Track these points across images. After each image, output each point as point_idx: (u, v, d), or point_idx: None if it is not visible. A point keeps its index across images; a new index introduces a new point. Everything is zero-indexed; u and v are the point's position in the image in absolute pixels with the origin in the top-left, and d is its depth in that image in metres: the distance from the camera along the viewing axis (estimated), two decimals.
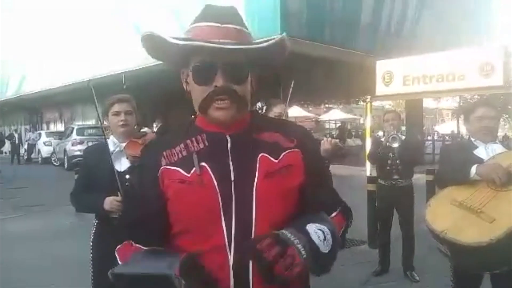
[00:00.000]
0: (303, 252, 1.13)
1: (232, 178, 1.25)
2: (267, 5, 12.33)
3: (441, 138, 29.34)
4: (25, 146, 24.88)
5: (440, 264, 2.83)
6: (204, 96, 1.25)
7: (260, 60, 1.31)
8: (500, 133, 24.32)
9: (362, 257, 5.54)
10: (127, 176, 2.65)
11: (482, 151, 2.78)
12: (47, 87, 23.20)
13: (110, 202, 2.59)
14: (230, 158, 1.27)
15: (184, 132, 1.35)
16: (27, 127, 32.37)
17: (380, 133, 5.01)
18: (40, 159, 22.59)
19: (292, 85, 3.32)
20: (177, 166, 1.27)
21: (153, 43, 1.29)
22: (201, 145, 1.30)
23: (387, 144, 4.67)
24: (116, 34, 17.42)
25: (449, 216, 2.43)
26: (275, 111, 3.50)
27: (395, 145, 4.62)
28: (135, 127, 2.91)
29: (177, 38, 1.24)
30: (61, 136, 21.12)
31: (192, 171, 1.25)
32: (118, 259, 1.30)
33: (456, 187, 2.59)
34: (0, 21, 25.43)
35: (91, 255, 2.81)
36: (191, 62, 1.28)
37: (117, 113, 2.75)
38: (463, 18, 18.11)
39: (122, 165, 2.71)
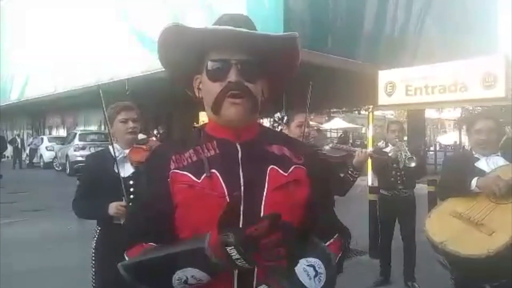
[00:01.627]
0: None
1: (242, 189, 1.24)
2: (270, 14, 12.40)
3: (443, 149, 29.33)
4: (27, 151, 24.91)
5: (441, 274, 2.82)
6: (218, 92, 1.26)
7: (272, 60, 1.33)
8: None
9: (363, 267, 5.53)
10: (131, 182, 2.66)
11: (484, 164, 2.79)
12: (50, 92, 23.28)
13: (115, 207, 2.60)
14: (240, 167, 1.27)
15: (193, 139, 1.35)
16: (30, 131, 32.43)
17: (382, 143, 4.99)
18: (42, 164, 22.61)
19: (310, 92, 3.32)
20: (186, 171, 1.26)
21: (173, 40, 1.28)
22: (212, 152, 1.29)
23: (406, 165, 4.56)
24: (119, 40, 17.52)
25: (448, 228, 2.44)
26: (297, 120, 3.43)
27: (413, 165, 4.52)
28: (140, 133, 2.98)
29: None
30: (63, 141, 21.17)
31: (202, 176, 1.24)
32: (127, 258, 1.25)
33: (456, 199, 2.60)
34: (5, 26, 25.59)
35: (93, 262, 2.80)
36: (205, 63, 1.30)
37: (125, 121, 2.78)
38: (466, 29, 18.15)
39: (126, 171, 2.72)
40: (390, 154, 4.74)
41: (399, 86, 13.27)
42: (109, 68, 18.10)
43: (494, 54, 15.02)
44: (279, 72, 1.40)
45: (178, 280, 1.13)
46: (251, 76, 1.28)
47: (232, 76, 1.25)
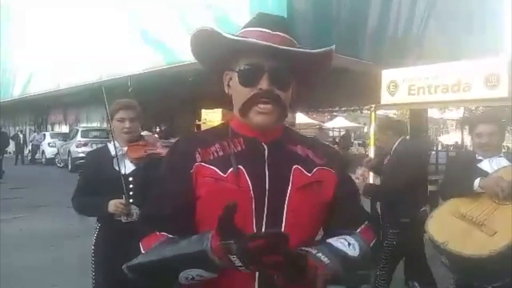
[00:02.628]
0: (324, 259, 1.12)
1: (267, 186, 1.25)
2: (273, 13, 12.37)
3: (445, 149, 29.28)
4: (30, 147, 24.96)
5: (443, 274, 2.82)
6: (248, 98, 1.26)
7: (305, 69, 1.33)
8: (507, 145, 24.26)
9: None
10: (131, 179, 2.68)
11: (486, 165, 2.80)
12: (53, 89, 23.30)
13: (114, 205, 2.61)
14: (266, 165, 1.28)
15: (220, 134, 1.35)
16: (32, 128, 32.48)
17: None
18: (44, 160, 22.65)
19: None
20: (212, 165, 1.27)
21: (206, 39, 1.28)
22: (238, 148, 1.30)
23: None
24: (122, 37, 17.51)
25: (450, 228, 2.44)
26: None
27: None
28: (139, 132, 2.94)
29: (231, 34, 1.27)
30: (66, 137, 21.21)
31: (228, 171, 1.25)
32: (142, 249, 1.22)
33: (459, 199, 2.60)
34: (8, 22, 25.63)
35: (93, 259, 2.81)
36: (238, 64, 1.29)
37: (121, 120, 2.78)
38: (469, 29, 18.11)
39: (126, 168, 2.72)
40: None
41: (402, 85, 13.21)
42: (112, 65, 18.09)
43: (497, 54, 14.98)
44: (310, 78, 1.42)
45: (185, 278, 1.13)
46: (283, 84, 1.28)
47: (264, 84, 1.25)
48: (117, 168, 2.67)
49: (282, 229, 1.22)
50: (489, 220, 2.36)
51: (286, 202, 1.25)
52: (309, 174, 1.30)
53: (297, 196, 1.26)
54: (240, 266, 1.03)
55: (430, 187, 6.55)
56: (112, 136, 2.81)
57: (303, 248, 1.15)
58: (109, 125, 2.87)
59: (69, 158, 18.56)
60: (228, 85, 1.35)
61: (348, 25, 14.29)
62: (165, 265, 1.14)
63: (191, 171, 1.26)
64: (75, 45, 20.45)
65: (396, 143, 4.12)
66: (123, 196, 2.62)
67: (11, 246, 5.95)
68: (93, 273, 2.80)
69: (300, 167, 1.30)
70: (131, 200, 2.63)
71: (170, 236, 1.22)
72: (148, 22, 16.32)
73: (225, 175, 1.24)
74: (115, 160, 2.69)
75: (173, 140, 2.60)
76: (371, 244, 1.31)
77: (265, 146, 1.31)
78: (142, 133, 3.01)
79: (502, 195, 2.43)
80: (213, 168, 1.26)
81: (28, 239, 6.71)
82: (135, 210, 2.61)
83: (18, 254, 5.67)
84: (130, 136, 2.79)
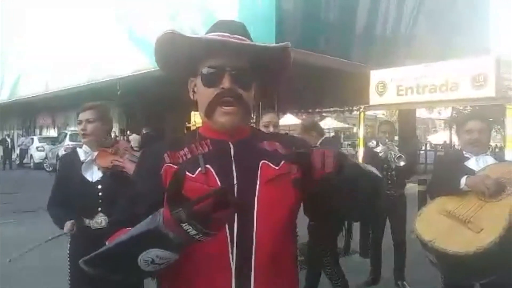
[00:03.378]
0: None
1: (235, 182, 1.29)
2: (262, 13, 12.40)
3: (434, 148, 29.50)
4: (17, 151, 24.74)
5: (432, 274, 2.84)
6: (211, 98, 1.31)
7: (265, 67, 1.38)
8: (492, 144, 24.49)
9: (353, 266, 5.53)
10: (99, 186, 2.62)
11: (473, 163, 2.83)
12: (40, 92, 23.13)
13: (70, 226, 2.66)
14: (233, 163, 1.32)
15: (187, 139, 1.40)
16: (20, 132, 32.20)
17: (373, 143, 5.03)
18: (32, 164, 22.46)
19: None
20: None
21: (169, 44, 1.32)
22: (206, 150, 1.34)
23: (395, 164, 4.65)
24: (111, 40, 17.43)
25: (438, 226, 2.46)
26: (264, 120, 3.55)
27: (402, 163, 4.61)
28: (107, 136, 2.82)
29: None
30: (54, 141, 21.07)
31: (197, 171, 1.28)
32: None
33: (446, 197, 2.62)
34: None
35: (69, 265, 2.84)
36: (200, 68, 1.34)
37: (79, 122, 2.73)
38: (457, 30, 18.27)
39: (94, 174, 2.66)
40: (380, 154, 4.79)
41: (390, 86, 13.31)
42: (100, 67, 18.01)
43: (485, 54, 15.13)
44: (272, 78, 1.46)
45: (144, 262, 1.07)
46: (244, 83, 1.33)
47: (226, 83, 1.30)
48: (85, 175, 2.64)
49: (254, 224, 1.25)
50: (476, 218, 2.38)
51: (256, 196, 1.27)
52: (277, 168, 1.33)
53: (266, 189, 1.29)
54: (195, 235, 1.00)
55: (419, 187, 6.63)
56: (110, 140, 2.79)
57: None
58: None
59: (58, 162, 18.38)
60: (194, 91, 1.41)
61: (337, 26, 14.36)
62: (121, 251, 1.09)
63: (161, 173, 1.29)
64: (63, 48, 20.32)
65: (318, 143, 4.24)
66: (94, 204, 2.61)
67: (0, 251, 5.88)
68: (69, 280, 2.78)
69: (267, 162, 1.33)
70: (99, 209, 2.60)
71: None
72: (136, 24, 16.27)
73: (193, 175, 1.27)
74: (83, 167, 2.65)
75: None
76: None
77: (231, 145, 1.35)
78: (131, 136, 2.95)
79: (488, 193, 2.46)
80: None
81: (17, 245, 6.62)
82: (103, 217, 2.59)
83: (6, 259, 5.60)
84: (86, 139, 2.71)
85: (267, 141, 1.40)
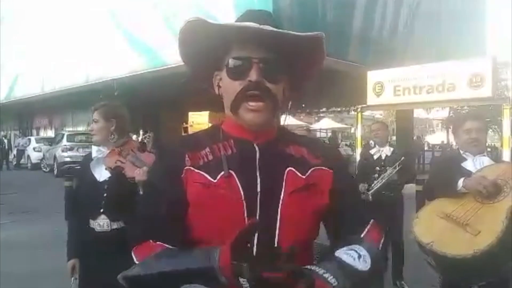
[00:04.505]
0: (332, 280, 1.07)
1: (259, 190, 1.20)
2: None
3: (431, 149, 29.55)
4: (14, 152, 24.66)
5: (429, 274, 2.84)
6: (238, 91, 1.22)
7: (295, 60, 1.29)
8: (490, 144, 24.54)
9: None
10: (106, 187, 2.58)
11: (470, 164, 2.83)
12: (37, 93, 23.07)
13: (70, 266, 2.66)
14: (258, 168, 1.23)
15: (210, 136, 1.31)
16: (17, 132, 32.11)
17: (371, 142, 5.07)
18: (29, 165, 22.39)
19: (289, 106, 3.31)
20: (202, 170, 1.22)
21: (193, 34, 1.24)
22: (229, 152, 1.26)
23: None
24: (107, 41, 17.40)
25: (435, 228, 2.46)
26: None
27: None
28: (113, 135, 2.73)
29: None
30: (51, 142, 20.99)
31: (218, 176, 1.20)
32: (135, 260, 1.18)
33: (443, 200, 2.62)
34: None
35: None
36: (226, 59, 1.25)
37: (93, 121, 2.73)
38: (454, 31, 18.30)
39: (102, 174, 2.63)
40: (374, 156, 4.83)
41: (387, 86, 13.35)
42: (97, 68, 17.97)
43: (481, 55, 15.18)
44: (302, 72, 1.36)
45: None
46: (273, 76, 1.23)
47: (253, 76, 1.20)
48: (93, 173, 2.62)
49: (276, 234, 1.18)
50: (473, 220, 2.38)
51: (280, 207, 1.20)
52: (303, 176, 1.25)
53: (291, 200, 1.21)
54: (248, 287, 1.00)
55: (417, 187, 6.63)
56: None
57: (308, 267, 1.11)
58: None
59: (55, 163, 18.37)
60: (218, 86, 1.31)
61: (334, 26, 14.37)
62: (165, 279, 1.09)
63: (182, 176, 1.22)
64: (60, 49, 20.27)
65: None
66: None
67: None
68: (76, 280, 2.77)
69: (293, 169, 1.25)
70: (101, 210, 2.55)
71: (167, 246, 1.19)
72: (133, 25, 16.24)
73: (215, 181, 1.20)
74: (91, 164, 2.64)
75: (143, 157, 2.54)
76: (380, 244, 1.26)
77: (257, 148, 1.26)
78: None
79: (485, 194, 2.46)
80: (203, 173, 1.22)
81: (15, 245, 6.62)
82: (105, 220, 2.53)
83: (4, 260, 5.59)
84: (95, 139, 2.70)
85: (294, 146, 1.31)
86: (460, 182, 2.56)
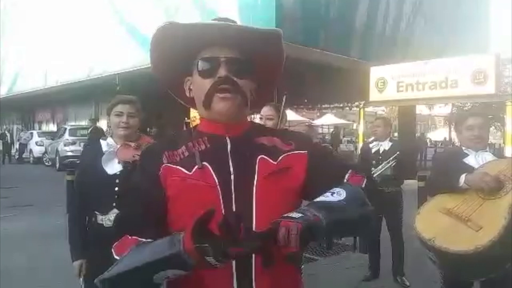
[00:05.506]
0: (295, 215, 1.11)
1: (232, 178, 1.29)
2: (262, 10, 12.38)
3: (433, 145, 29.53)
4: (17, 146, 24.73)
5: (431, 269, 2.84)
6: (208, 88, 1.32)
7: (259, 58, 1.38)
8: (493, 141, 24.50)
9: (352, 262, 5.56)
10: (117, 181, 2.56)
11: (473, 160, 2.82)
12: (40, 87, 23.11)
13: (77, 267, 2.64)
14: (230, 159, 1.32)
15: (185, 137, 1.41)
16: (19, 126, 32.19)
17: (372, 138, 5.09)
18: (31, 159, 22.45)
19: (284, 100, 3.26)
20: (178, 165, 1.32)
21: (162, 40, 1.34)
22: (202, 147, 1.35)
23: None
24: (111, 35, 17.40)
25: (437, 224, 2.46)
26: (260, 112, 3.42)
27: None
28: (137, 131, 2.79)
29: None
30: (53, 136, 21.03)
31: (193, 169, 1.29)
32: (114, 255, 1.26)
33: (445, 195, 2.62)
34: None
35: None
36: (195, 63, 1.36)
37: (119, 114, 2.66)
38: (457, 26, 18.25)
39: (113, 167, 2.61)
40: (373, 150, 4.85)
41: (390, 82, 13.34)
42: (100, 63, 17.98)
43: (484, 52, 15.14)
44: (265, 71, 1.44)
45: (159, 278, 1.15)
46: (240, 73, 1.33)
47: (222, 72, 1.31)
48: (104, 167, 2.58)
49: (253, 218, 1.25)
50: (475, 215, 2.38)
51: (254, 192, 1.28)
52: (275, 163, 1.33)
53: (264, 184, 1.29)
54: (215, 264, 1.07)
55: (419, 183, 6.63)
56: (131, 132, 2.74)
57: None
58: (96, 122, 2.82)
59: (57, 157, 18.42)
60: (189, 89, 1.42)
61: (337, 22, 14.34)
62: (139, 273, 1.15)
63: (159, 173, 1.31)
64: (63, 43, 20.29)
65: None
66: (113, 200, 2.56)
67: None
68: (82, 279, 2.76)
69: (265, 157, 1.33)
70: (114, 204, 2.53)
71: (141, 240, 1.24)
72: (136, 19, 16.23)
73: (190, 173, 1.29)
74: (103, 158, 2.60)
75: None
76: (363, 184, 1.30)
77: (228, 140, 1.35)
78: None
79: (487, 190, 2.46)
80: (180, 168, 1.31)
81: (16, 239, 6.65)
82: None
83: (6, 254, 5.62)
84: (127, 132, 2.67)
85: (266, 137, 1.40)
86: (462, 178, 2.56)
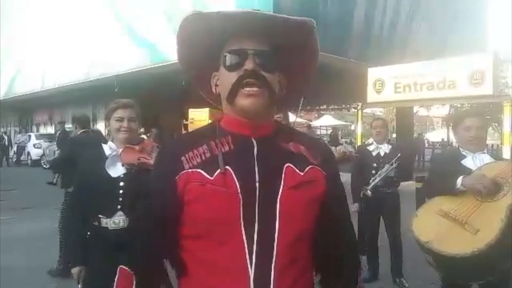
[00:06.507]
0: None
1: (257, 184, 1.22)
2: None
3: (431, 146, 29.54)
4: (14, 148, 24.66)
5: (429, 271, 2.84)
6: (234, 81, 1.24)
7: (289, 53, 1.32)
8: (491, 142, 24.51)
9: None
10: (121, 184, 2.56)
11: (470, 161, 2.81)
12: (37, 89, 23.07)
13: (76, 274, 2.61)
14: (256, 163, 1.24)
15: (207, 133, 1.32)
16: (17, 129, 32.12)
17: (370, 140, 5.07)
18: (29, 161, 22.38)
19: (301, 102, 3.28)
20: (199, 168, 1.23)
21: (191, 30, 1.28)
22: (226, 148, 1.27)
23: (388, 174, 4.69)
24: (109, 37, 17.38)
25: (434, 227, 2.45)
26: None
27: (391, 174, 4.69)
28: (140, 134, 2.86)
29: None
30: (51, 138, 20.96)
31: (215, 174, 1.21)
32: (116, 277, 1.30)
33: (443, 198, 2.61)
34: None
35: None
36: (222, 57, 1.29)
37: (120, 119, 2.66)
38: (454, 27, 18.28)
39: (117, 171, 2.61)
40: (373, 153, 4.83)
41: (388, 83, 13.36)
42: (98, 65, 17.96)
43: (482, 52, 15.15)
44: (297, 67, 1.37)
45: None
46: (268, 66, 1.26)
47: (249, 65, 1.23)
48: (108, 171, 2.58)
49: (276, 229, 1.20)
50: (472, 218, 2.37)
51: (278, 202, 1.21)
52: (302, 173, 1.26)
53: (289, 195, 1.22)
54: None
55: (417, 184, 6.64)
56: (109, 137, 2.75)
57: None
58: (95, 125, 2.81)
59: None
60: (216, 85, 1.34)
61: (335, 23, 14.34)
62: None
63: (176, 178, 1.24)
64: (61, 45, 20.25)
65: None
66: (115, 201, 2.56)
67: None
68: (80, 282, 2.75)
69: (292, 166, 1.26)
70: (119, 207, 2.54)
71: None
72: (134, 21, 16.22)
73: (212, 178, 1.21)
74: (107, 161, 2.60)
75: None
76: None
77: (255, 143, 1.27)
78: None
79: (485, 193, 2.45)
80: (200, 171, 1.23)
81: (15, 242, 6.63)
82: (121, 217, 2.52)
83: (3, 256, 5.60)
84: (127, 136, 2.67)
85: (292, 142, 1.32)
86: (459, 180, 2.55)
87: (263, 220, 1.19)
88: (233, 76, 1.25)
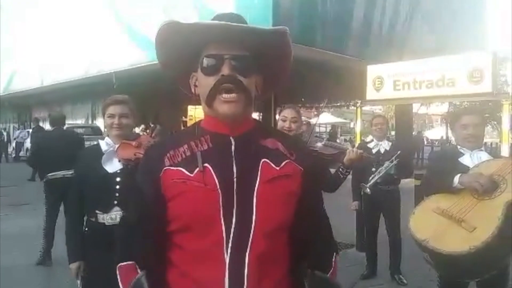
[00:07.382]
0: None
1: (235, 180, 1.28)
2: (259, 8, 12.36)
3: (430, 144, 29.57)
4: (13, 144, 24.63)
5: (428, 268, 2.86)
6: (211, 86, 1.30)
7: (264, 56, 1.37)
8: (490, 140, 24.53)
9: (350, 260, 5.57)
10: (118, 179, 2.59)
11: (468, 159, 2.82)
12: (36, 85, 23.02)
13: (74, 271, 2.63)
14: (234, 160, 1.31)
15: (189, 134, 1.40)
16: (16, 125, 32.07)
17: (369, 139, 5.07)
18: None
19: (325, 104, 3.32)
20: (180, 166, 1.31)
21: (168, 37, 1.32)
22: (205, 146, 1.34)
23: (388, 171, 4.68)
24: (107, 33, 17.35)
25: (431, 225, 2.45)
26: (283, 114, 3.38)
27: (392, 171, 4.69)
28: (133, 130, 2.84)
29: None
30: None
31: (195, 171, 1.28)
32: (119, 277, 1.35)
33: (440, 195, 2.61)
34: None
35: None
36: (200, 59, 1.34)
37: (111, 116, 2.68)
38: (454, 25, 18.26)
39: (114, 166, 2.63)
40: (373, 150, 4.84)
41: (387, 81, 13.34)
42: (96, 61, 17.93)
43: (481, 50, 15.14)
44: (272, 68, 1.43)
45: None
46: (244, 71, 1.31)
47: (225, 70, 1.29)
48: (104, 166, 2.60)
49: (253, 220, 1.26)
50: (469, 216, 2.38)
51: (255, 195, 1.28)
52: (277, 168, 1.33)
53: (265, 188, 1.29)
54: None
55: (416, 182, 6.65)
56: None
57: None
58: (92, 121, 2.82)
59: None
60: (195, 85, 1.40)
61: (334, 21, 14.32)
62: None
63: (160, 175, 1.31)
64: (59, 42, 20.20)
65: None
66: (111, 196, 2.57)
67: None
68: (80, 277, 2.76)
69: (268, 161, 1.33)
70: (115, 202, 2.56)
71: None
72: (133, 18, 16.18)
73: (192, 175, 1.28)
74: (103, 157, 2.62)
75: None
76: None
77: (232, 141, 1.34)
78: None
79: (482, 190, 2.45)
80: (180, 169, 1.30)
81: (13, 238, 6.64)
82: (118, 212, 2.54)
83: (3, 253, 5.61)
84: (120, 133, 2.69)
85: (269, 139, 1.39)
86: (456, 178, 2.55)
87: (241, 213, 1.26)
88: (210, 81, 1.30)
